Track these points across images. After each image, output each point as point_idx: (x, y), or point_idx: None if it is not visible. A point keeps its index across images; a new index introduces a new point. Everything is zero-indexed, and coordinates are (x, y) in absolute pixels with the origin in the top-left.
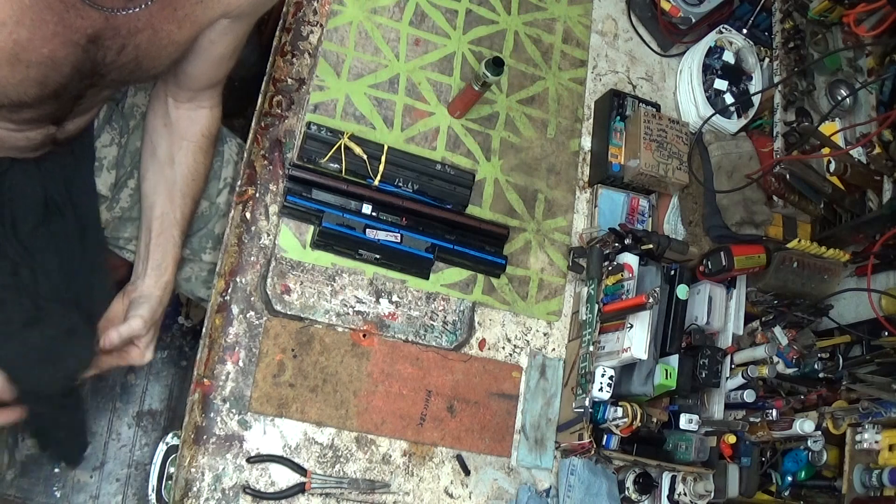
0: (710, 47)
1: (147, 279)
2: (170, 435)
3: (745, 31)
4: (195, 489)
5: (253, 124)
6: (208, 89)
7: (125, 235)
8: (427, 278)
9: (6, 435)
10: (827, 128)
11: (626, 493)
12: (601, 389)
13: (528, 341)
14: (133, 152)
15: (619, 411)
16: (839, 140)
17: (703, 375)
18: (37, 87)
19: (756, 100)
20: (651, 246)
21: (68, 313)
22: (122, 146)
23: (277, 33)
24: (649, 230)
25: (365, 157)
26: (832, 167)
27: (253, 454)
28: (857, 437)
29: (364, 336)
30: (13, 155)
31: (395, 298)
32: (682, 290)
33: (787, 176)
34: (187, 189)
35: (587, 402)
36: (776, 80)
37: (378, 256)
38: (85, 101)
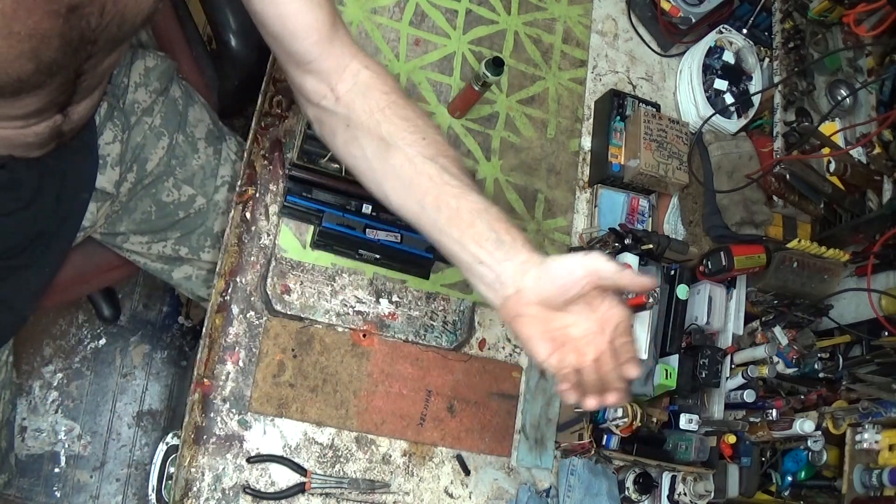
0: (710, 47)
1: (509, 262)
2: (170, 435)
3: (745, 31)
4: (195, 489)
5: (253, 124)
6: (328, 46)
7: (121, 230)
8: (427, 278)
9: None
10: (827, 128)
11: (626, 493)
12: None
13: None
14: (134, 147)
15: (619, 411)
16: (839, 140)
17: (703, 375)
18: (32, 62)
19: (756, 100)
20: (651, 246)
21: None
22: (123, 142)
23: None
24: (649, 230)
25: None
26: (832, 167)
27: (253, 454)
28: (857, 437)
29: (364, 336)
30: (17, 153)
31: (395, 298)
32: (682, 290)
33: (787, 176)
34: (427, 150)
35: None
36: (776, 80)
37: (378, 256)
38: (87, 78)
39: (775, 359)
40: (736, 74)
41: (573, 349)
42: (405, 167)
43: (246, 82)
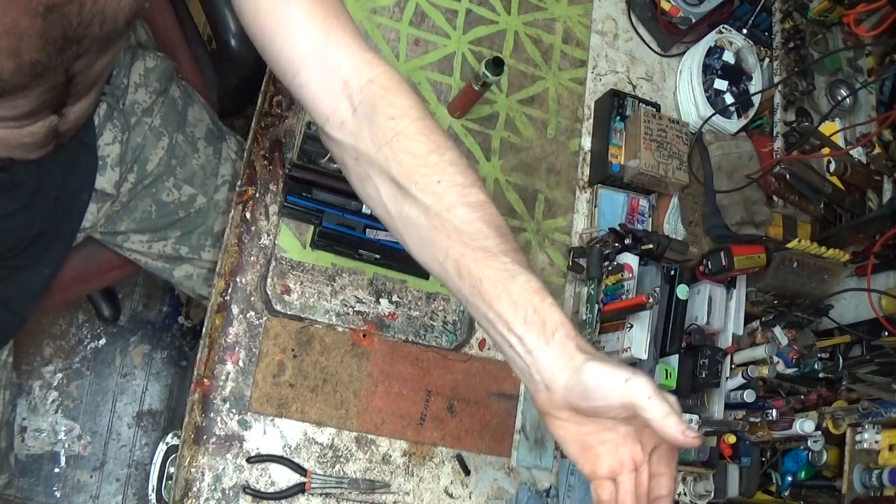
0: (710, 47)
1: (539, 353)
2: (170, 435)
3: (745, 31)
4: (195, 489)
5: (253, 124)
6: (320, 49)
7: (122, 230)
8: (427, 278)
9: None
10: (827, 128)
11: None
12: None
13: None
14: (134, 148)
15: None
16: (839, 140)
17: (703, 375)
18: (11, 60)
19: (756, 100)
20: (651, 246)
21: None
22: (123, 143)
23: None
24: (649, 230)
25: None
26: (832, 167)
27: (253, 454)
28: (857, 437)
29: (364, 336)
30: (15, 155)
31: (395, 298)
32: (682, 290)
33: (787, 176)
34: (445, 198)
35: None
36: (776, 80)
37: (378, 256)
38: (79, 80)
39: (775, 359)
40: (736, 74)
41: (609, 452)
42: (420, 220)
43: (246, 82)
